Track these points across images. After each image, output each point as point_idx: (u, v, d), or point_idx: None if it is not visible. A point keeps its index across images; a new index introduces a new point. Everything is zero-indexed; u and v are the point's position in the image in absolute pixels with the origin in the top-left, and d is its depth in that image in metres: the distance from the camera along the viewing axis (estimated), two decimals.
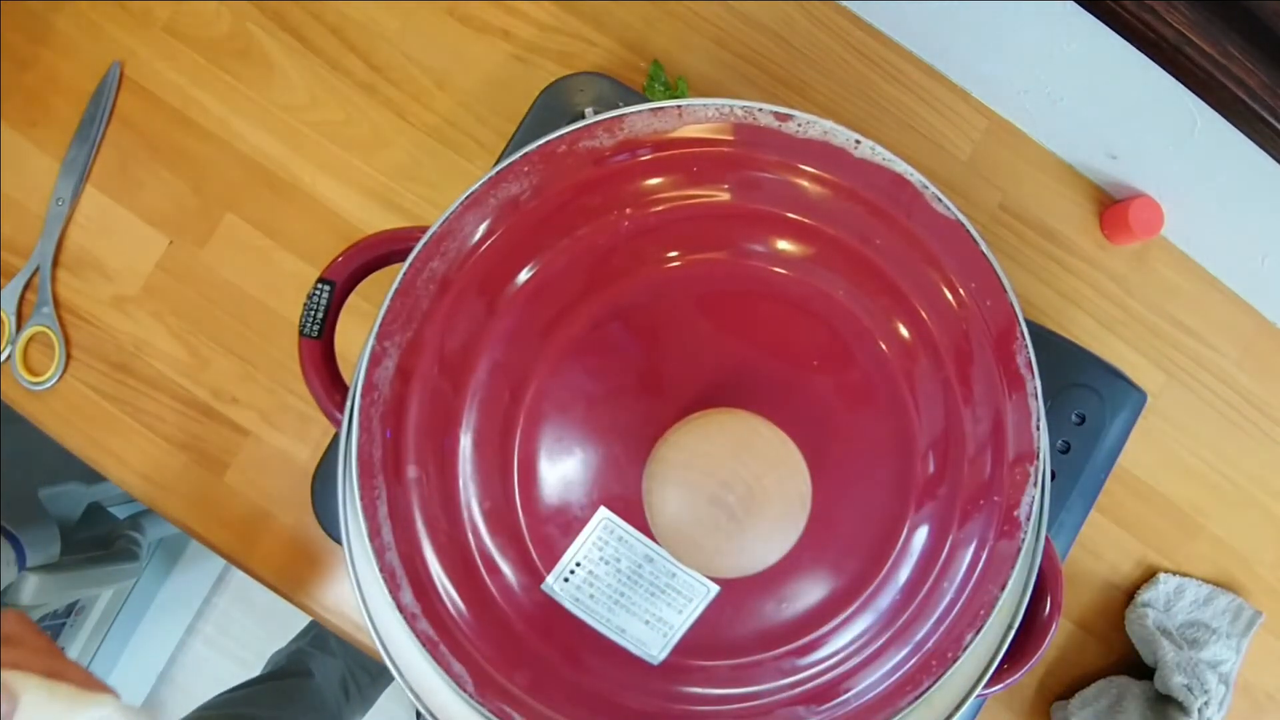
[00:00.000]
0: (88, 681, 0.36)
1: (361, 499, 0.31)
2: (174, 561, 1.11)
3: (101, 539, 0.90)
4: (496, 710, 0.32)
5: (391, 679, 1.08)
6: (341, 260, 0.36)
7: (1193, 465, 0.58)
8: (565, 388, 0.31)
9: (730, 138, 0.31)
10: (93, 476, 0.81)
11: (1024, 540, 0.33)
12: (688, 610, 0.31)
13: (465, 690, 0.31)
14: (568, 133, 0.31)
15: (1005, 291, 0.32)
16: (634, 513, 0.31)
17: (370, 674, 1.03)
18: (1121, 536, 0.57)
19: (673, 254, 0.31)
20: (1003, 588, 0.33)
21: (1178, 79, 0.44)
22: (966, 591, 0.33)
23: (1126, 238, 0.57)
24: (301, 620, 1.19)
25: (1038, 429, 0.32)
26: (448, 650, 0.31)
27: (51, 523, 0.76)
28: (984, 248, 0.32)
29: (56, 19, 0.55)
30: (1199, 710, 0.51)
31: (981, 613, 0.33)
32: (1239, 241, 0.55)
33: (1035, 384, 0.32)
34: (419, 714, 0.85)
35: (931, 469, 0.32)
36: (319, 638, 1.04)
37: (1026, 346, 0.32)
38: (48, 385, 0.54)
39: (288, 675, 0.94)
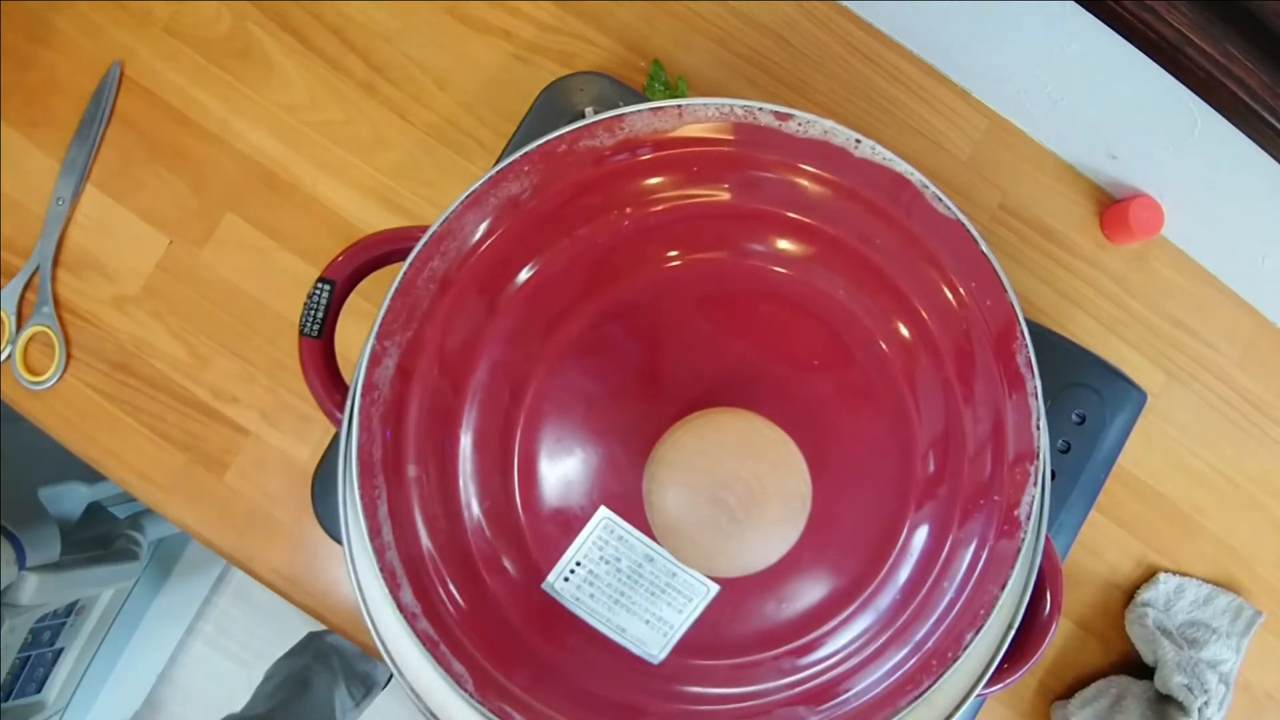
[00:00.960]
0: None
1: (361, 499, 0.31)
2: (174, 561, 1.11)
3: (101, 539, 0.90)
4: (496, 709, 0.32)
5: (378, 693, 1.08)
6: (341, 260, 0.36)
7: (1193, 465, 0.58)
8: (565, 387, 0.31)
9: (730, 137, 0.31)
10: (93, 476, 0.81)
11: (1024, 540, 0.33)
12: (688, 610, 0.31)
13: (465, 689, 0.31)
14: (568, 132, 0.31)
15: (1005, 291, 0.32)
16: (634, 512, 0.31)
17: (364, 687, 1.04)
18: (1121, 536, 0.57)
19: (673, 253, 0.31)
20: (1003, 587, 0.33)
21: (1178, 79, 0.44)
22: (966, 591, 0.33)
23: (1126, 237, 0.57)
24: (299, 620, 1.19)
25: (1038, 429, 0.32)
26: (448, 649, 0.31)
27: (51, 523, 0.76)
28: (984, 247, 0.32)
29: (56, 19, 0.55)
30: (1199, 710, 0.51)
31: (981, 612, 0.33)
32: (1239, 241, 0.55)
33: (1035, 384, 0.32)
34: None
35: (932, 468, 0.32)
36: (321, 652, 1.04)
37: (1027, 346, 0.32)
38: (48, 385, 0.54)
39: (292, 690, 0.94)
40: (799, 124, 0.31)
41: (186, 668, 1.24)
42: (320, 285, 0.35)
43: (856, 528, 0.32)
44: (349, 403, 0.32)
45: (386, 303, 0.31)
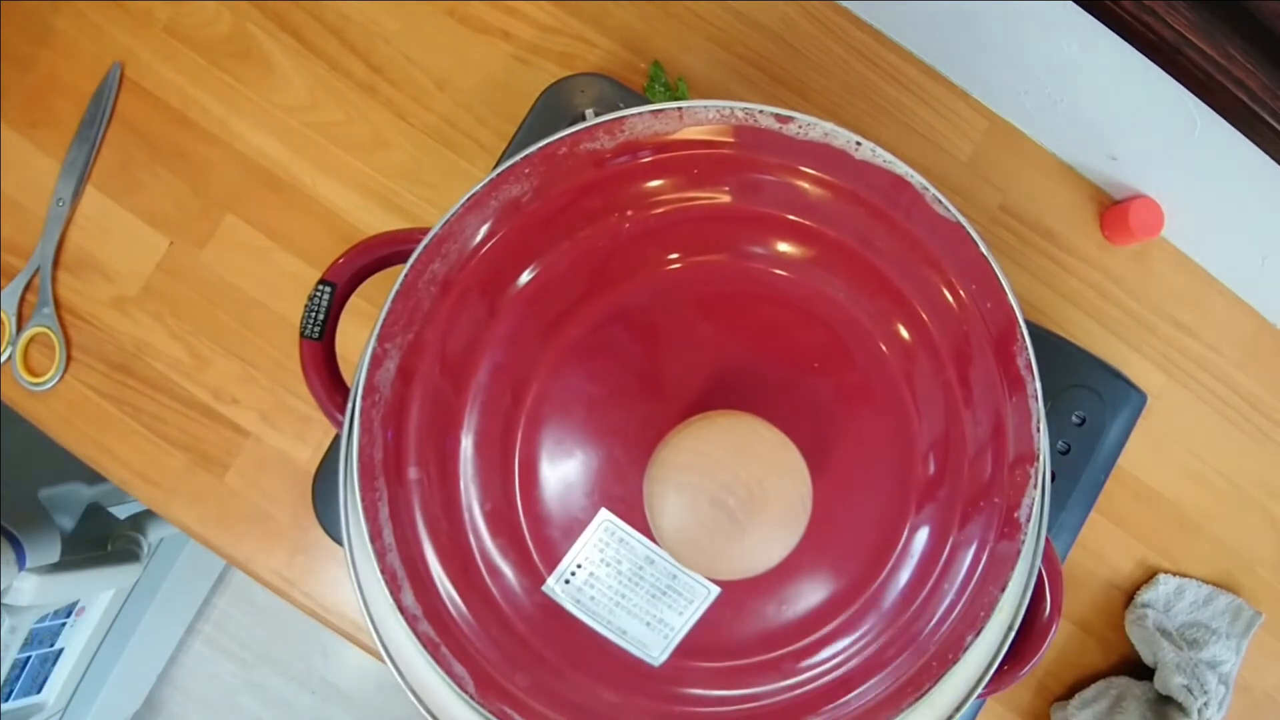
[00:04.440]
0: None
1: (363, 500, 0.31)
2: (174, 561, 1.11)
3: (101, 539, 0.90)
4: (497, 711, 0.32)
5: None
6: (343, 262, 0.36)
7: (1193, 466, 0.58)
8: (566, 389, 0.31)
9: (731, 140, 0.31)
10: (93, 476, 0.80)
11: (1024, 541, 0.33)
12: (688, 612, 0.31)
13: (466, 691, 0.31)
14: (568, 135, 0.31)
15: (1005, 293, 0.32)
16: (635, 514, 0.31)
17: None
18: (1121, 537, 0.57)
19: (673, 256, 0.31)
20: (1003, 589, 0.33)
21: (1178, 80, 0.44)
22: (967, 593, 0.33)
23: (1126, 238, 0.57)
24: (299, 620, 1.19)
25: (1038, 430, 0.32)
26: (449, 652, 0.31)
27: (52, 524, 0.76)
28: (984, 249, 0.32)
29: (56, 19, 0.55)
30: (1198, 711, 0.51)
31: (981, 614, 0.33)
32: (1239, 242, 0.55)
33: (1035, 385, 0.32)
34: None
35: (932, 470, 0.32)
36: None
37: (1027, 348, 0.32)
38: (48, 386, 0.54)
39: None
40: (799, 126, 0.31)
41: (186, 668, 1.24)
42: (321, 287, 0.35)
43: (857, 530, 0.32)
44: (350, 405, 0.32)
45: (387, 305, 0.31)
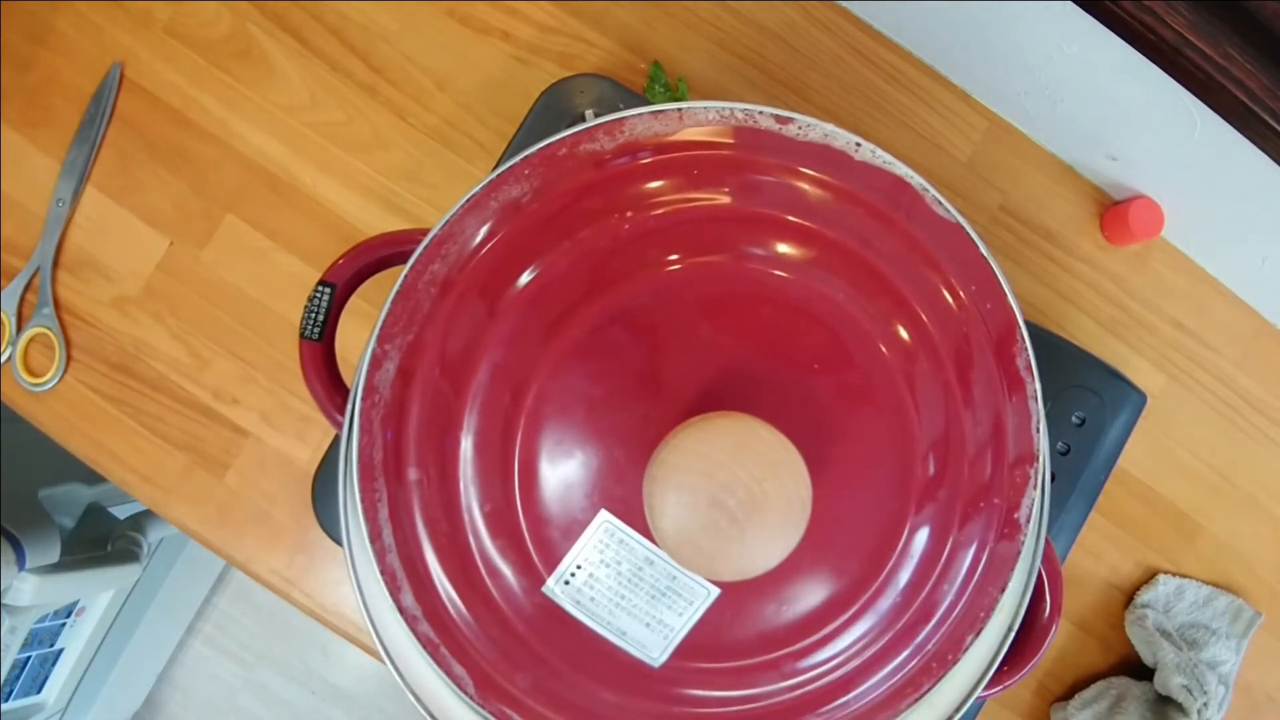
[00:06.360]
0: None
1: (362, 501, 0.31)
2: (174, 561, 1.11)
3: (101, 539, 0.90)
4: (496, 712, 0.32)
5: None
6: (342, 262, 0.36)
7: (1192, 466, 0.58)
8: (566, 390, 0.31)
9: (731, 141, 0.31)
10: (93, 477, 0.81)
11: (1024, 542, 0.33)
12: (688, 613, 0.31)
13: (466, 692, 0.31)
14: (568, 135, 0.31)
15: (1005, 294, 0.32)
16: (634, 515, 0.31)
17: None
18: (1121, 538, 0.57)
19: (673, 257, 0.31)
20: (1003, 590, 0.33)
21: (1178, 81, 0.44)
22: (967, 594, 0.33)
23: (1127, 239, 0.57)
24: (299, 620, 1.19)
25: (1038, 431, 0.32)
26: (448, 652, 0.31)
27: (51, 523, 0.76)
28: (984, 250, 0.32)
29: (56, 20, 0.55)
30: (1198, 711, 0.51)
31: (981, 615, 0.33)
32: (1239, 242, 0.55)
33: (1035, 386, 0.32)
34: None
35: (932, 471, 0.32)
36: None
37: (1027, 349, 0.32)
38: (48, 386, 0.54)
39: None
40: (799, 128, 0.31)
41: (186, 668, 1.24)
42: (321, 288, 0.35)
43: (857, 530, 0.32)
44: (350, 405, 0.32)
45: (387, 305, 0.31)
